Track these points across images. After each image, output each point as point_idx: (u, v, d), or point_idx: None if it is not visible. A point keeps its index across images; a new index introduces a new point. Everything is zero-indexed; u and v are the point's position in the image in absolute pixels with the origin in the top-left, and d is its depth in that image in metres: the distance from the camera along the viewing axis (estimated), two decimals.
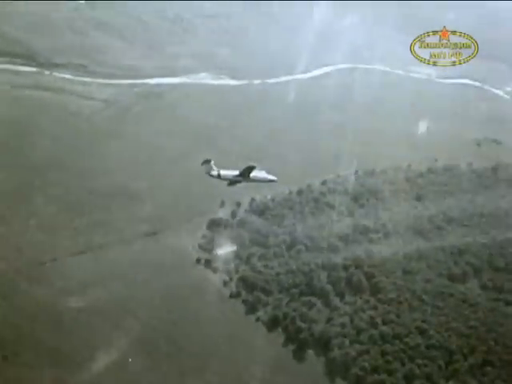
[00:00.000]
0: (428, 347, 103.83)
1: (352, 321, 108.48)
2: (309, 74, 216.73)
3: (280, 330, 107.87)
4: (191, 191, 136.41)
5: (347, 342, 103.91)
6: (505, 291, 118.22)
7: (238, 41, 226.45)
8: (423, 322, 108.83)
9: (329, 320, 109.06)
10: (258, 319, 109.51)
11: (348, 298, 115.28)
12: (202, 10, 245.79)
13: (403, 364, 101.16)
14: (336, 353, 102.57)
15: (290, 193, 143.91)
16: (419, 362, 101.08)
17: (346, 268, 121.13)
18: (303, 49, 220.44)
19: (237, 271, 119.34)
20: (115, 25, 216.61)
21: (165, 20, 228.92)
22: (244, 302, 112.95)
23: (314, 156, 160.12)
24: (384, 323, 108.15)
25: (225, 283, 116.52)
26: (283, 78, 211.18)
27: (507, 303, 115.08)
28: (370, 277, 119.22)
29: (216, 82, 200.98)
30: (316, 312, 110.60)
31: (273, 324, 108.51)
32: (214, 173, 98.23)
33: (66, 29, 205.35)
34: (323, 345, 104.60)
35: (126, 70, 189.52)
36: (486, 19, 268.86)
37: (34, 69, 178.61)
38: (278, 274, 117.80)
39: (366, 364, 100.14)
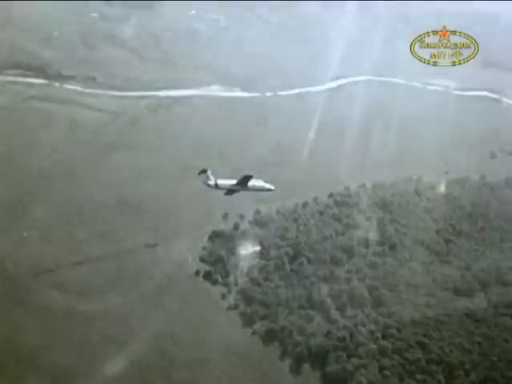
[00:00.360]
0: (428, 362, 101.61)
1: (351, 335, 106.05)
2: (322, 87, 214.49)
3: (276, 343, 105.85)
4: (195, 203, 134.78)
5: (344, 356, 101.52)
6: None
7: (251, 53, 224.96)
8: (424, 336, 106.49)
9: (327, 334, 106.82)
10: (254, 332, 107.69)
11: (349, 311, 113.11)
12: (215, 22, 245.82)
13: (401, 379, 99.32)
14: (332, 367, 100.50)
15: (296, 205, 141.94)
16: (418, 377, 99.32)
17: (348, 281, 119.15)
18: (318, 61, 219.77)
19: (236, 284, 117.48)
20: (127, 38, 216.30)
21: (178, 33, 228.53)
22: (241, 314, 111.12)
23: (324, 169, 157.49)
24: (384, 337, 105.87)
25: (223, 296, 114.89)
26: (296, 91, 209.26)
27: None
28: (372, 290, 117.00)
29: (227, 94, 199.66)
30: (314, 325, 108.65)
31: (269, 337, 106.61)
32: (212, 182, 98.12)
33: (78, 41, 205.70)
34: (320, 359, 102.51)
35: (136, 82, 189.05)
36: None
37: (43, 81, 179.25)
38: (277, 287, 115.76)
39: (363, 379, 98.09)
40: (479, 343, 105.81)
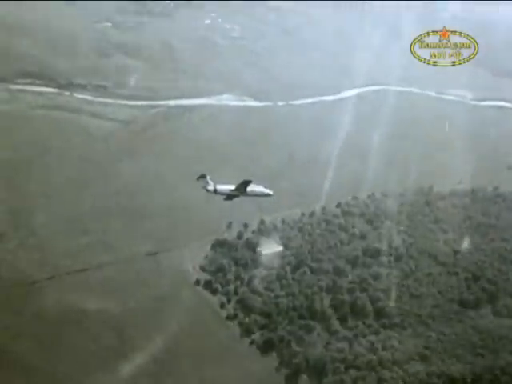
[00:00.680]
0: (428, 374, 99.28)
1: (351, 346, 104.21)
2: (335, 96, 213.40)
3: (274, 353, 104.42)
4: (201, 211, 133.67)
5: (342, 367, 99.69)
6: None
7: (263, 62, 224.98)
8: (426, 348, 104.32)
9: (326, 344, 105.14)
10: (252, 342, 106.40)
11: (350, 322, 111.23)
12: (228, 31, 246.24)
13: None
14: (330, 378, 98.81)
15: (303, 215, 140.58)
16: None
17: (350, 291, 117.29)
18: (330, 70, 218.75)
19: (236, 293, 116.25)
20: (140, 47, 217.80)
21: (191, 42, 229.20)
22: (240, 324, 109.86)
23: (333, 178, 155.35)
24: (384, 349, 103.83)
25: (222, 305, 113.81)
26: (309, 100, 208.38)
27: None
28: (375, 301, 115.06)
29: (239, 104, 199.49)
30: (314, 336, 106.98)
31: (267, 347, 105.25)
32: (211, 188, 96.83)
33: (90, 50, 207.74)
34: (318, 370, 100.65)
35: (147, 91, 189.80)
36: None
37: (54, 89, 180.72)
38: (277, 297, 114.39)
39: None
40: (482, 355, 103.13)
